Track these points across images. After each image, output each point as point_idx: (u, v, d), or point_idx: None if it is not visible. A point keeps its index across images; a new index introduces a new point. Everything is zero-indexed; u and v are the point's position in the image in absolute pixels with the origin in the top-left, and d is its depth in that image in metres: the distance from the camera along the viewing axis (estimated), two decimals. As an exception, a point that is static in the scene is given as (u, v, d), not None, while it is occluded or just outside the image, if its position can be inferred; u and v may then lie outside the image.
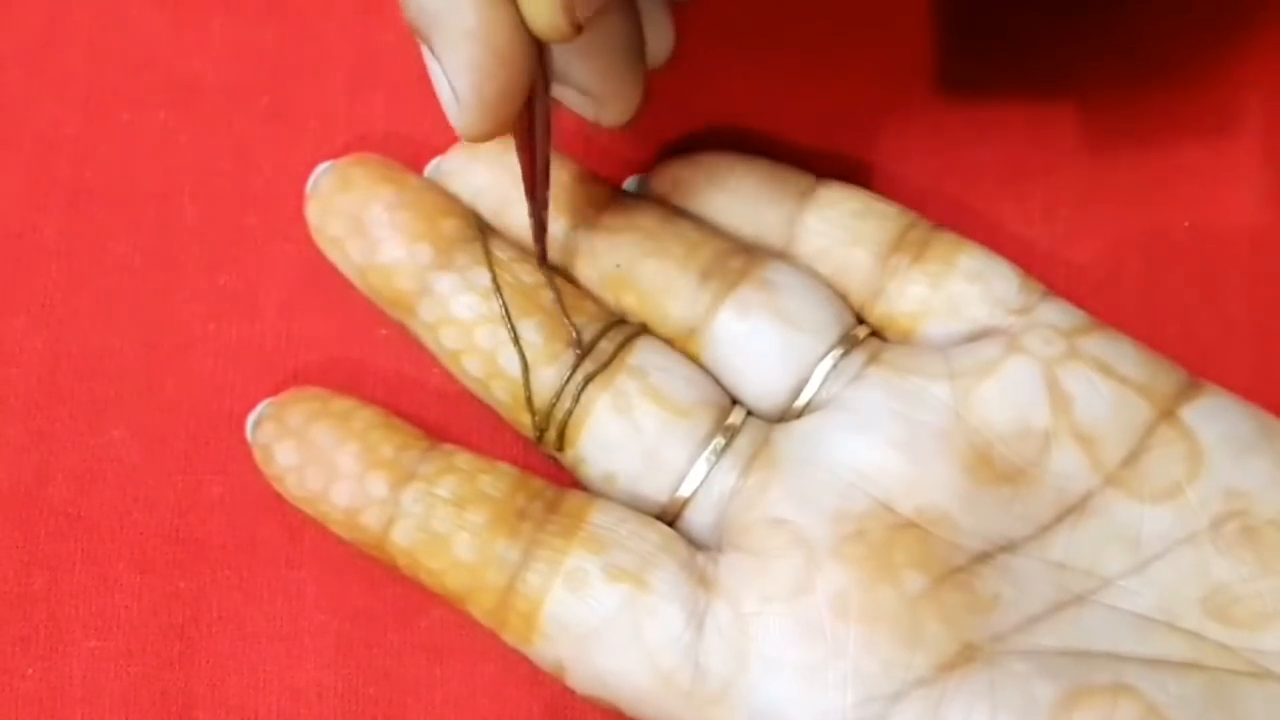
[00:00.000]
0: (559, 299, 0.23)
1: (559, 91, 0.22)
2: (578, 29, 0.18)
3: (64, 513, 0.24)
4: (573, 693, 0.22)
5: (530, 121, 0.21)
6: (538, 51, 0.19)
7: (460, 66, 0.18)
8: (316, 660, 0.23)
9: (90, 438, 0.24)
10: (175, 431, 0.24)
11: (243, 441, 0.23)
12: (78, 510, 0.24)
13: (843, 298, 0.23)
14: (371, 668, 0.23)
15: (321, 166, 0.24)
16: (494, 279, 0.23)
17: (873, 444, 0.21)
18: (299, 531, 0.23)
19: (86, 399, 0.24)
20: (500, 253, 0.23)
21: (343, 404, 0.23)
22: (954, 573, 0.20)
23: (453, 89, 0.19)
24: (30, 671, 0.23)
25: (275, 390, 0.24)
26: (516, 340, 0.23)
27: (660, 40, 0.22)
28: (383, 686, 0.23)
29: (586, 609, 0.21)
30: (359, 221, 0.23)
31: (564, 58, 0.21)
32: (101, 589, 0.23)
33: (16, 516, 0.24)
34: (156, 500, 0.24)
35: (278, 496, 0.23)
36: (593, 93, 0.22)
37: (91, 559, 0.23)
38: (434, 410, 0.24)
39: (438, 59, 0.19)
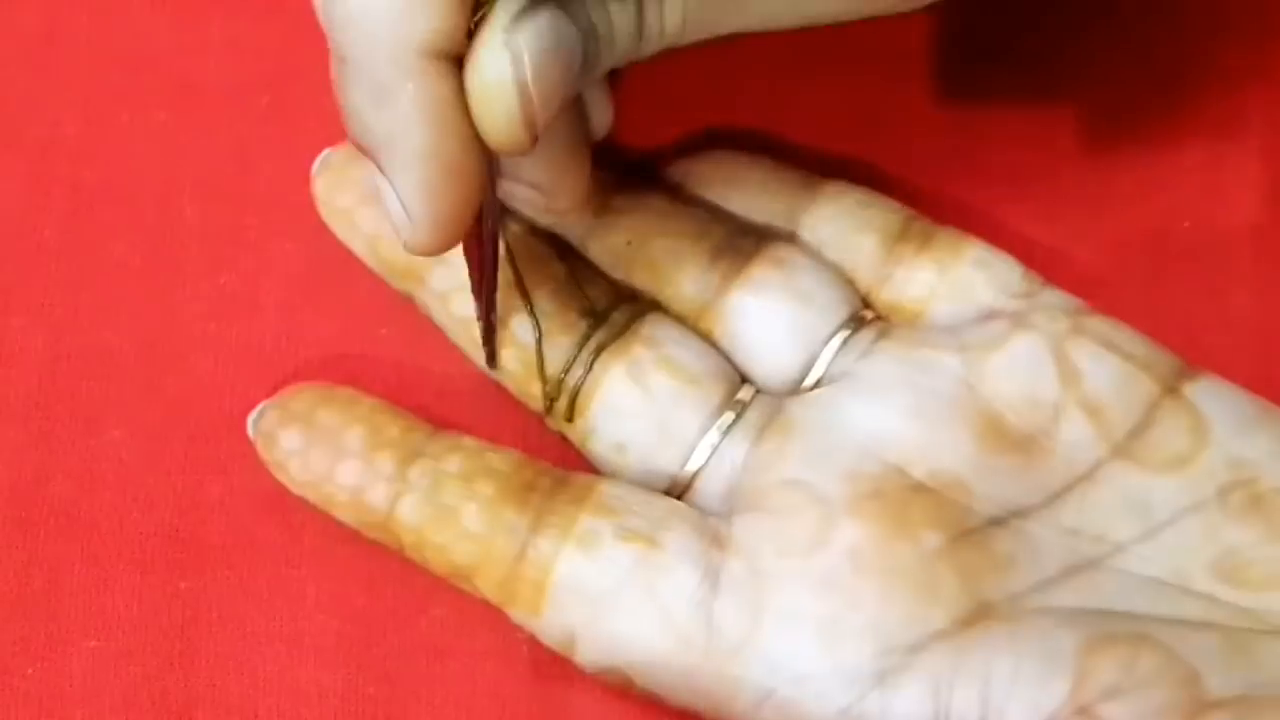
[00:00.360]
0: (572, 271, 0.23)
1: (506, 188, 0.22)
2: (535, 139, 0.18)
3: (64, 513, 0.24)
4: (572, 693, 0.22)
5: (479, 225, 0.21)
6: (490, 161, 0.19)
7: (413, 186, 0.18)
8: (316, 660, 0.23)
9: (90, 438, 0.24)
10: (175, 431, 0.24)
11: (243, 441, 0.23)
12: (78, 510, 0.24)
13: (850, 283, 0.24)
14: (371, 668, 0.23)
15: (329, 149, 0.24)
16: (508, 247, 0.23)
17: (886, 411, 0.21)
18: (299, 531, 0.23)
19: (86, 399, 0.24)
20: (515, 225, 0.24)
21: (346, 392, 0.23)
22: (969, 533, 0.20)
23: (404, 208, 0.18)
24: (30, 671, 0.23)
25: (275, 390, 0.24)
26: (531, 307, 0.23)
27: (601, 115, 0.23)
28: (383, 686, 0.23)
29: (599, 570, 0.21)
30: (370, 192, 0.23)
31: (511, 159, 0.21)
32: (101, 589, 0.23)
33: (16, 516, 0.24)
34: (156, 500, 0.24)
35: (278, 496, 0.23)
36: (542, 187, 0.22)
37: (91, 559, 0.23)
38: (435, 409, 0.24)
39: (388, 178, 0.18)
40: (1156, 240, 0.26)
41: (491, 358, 0.23)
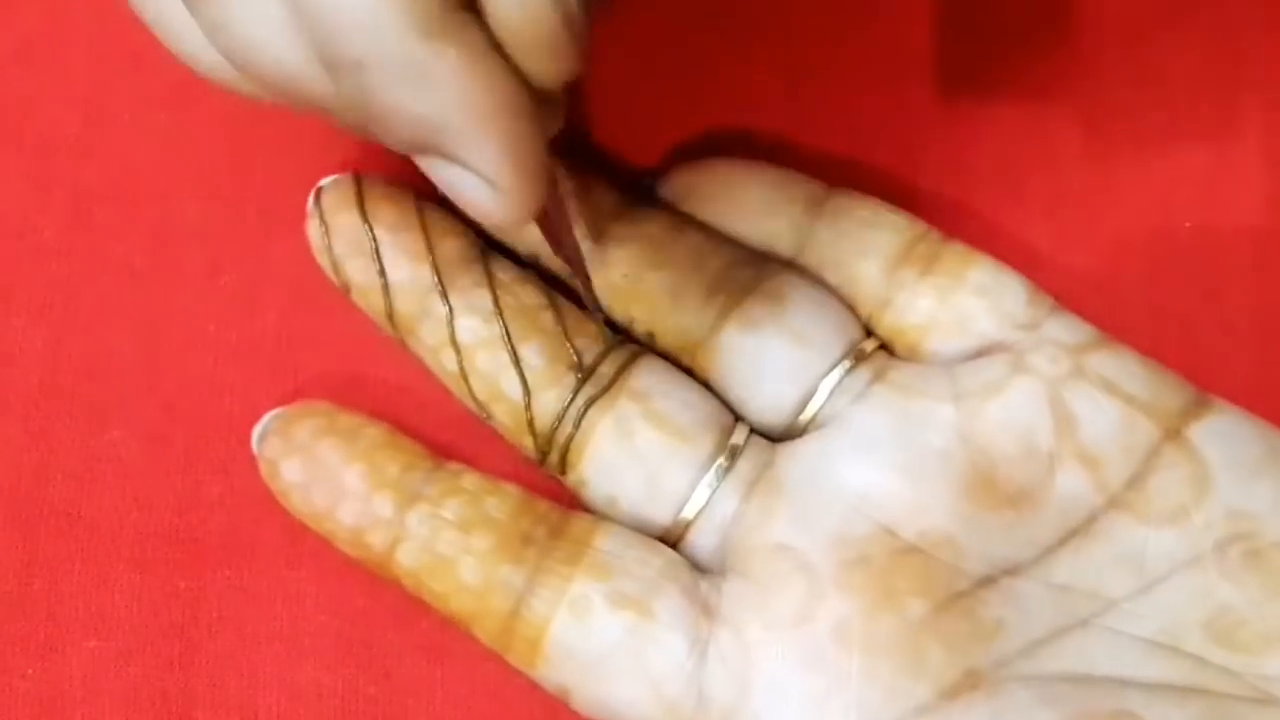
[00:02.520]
0: (560, 321, 0.23)
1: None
2: (575, 70, 0.16)
3: (64, 513, 0.24)
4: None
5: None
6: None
7: (493, 153, 0.16)
8: (316, 660, 0.23)
9: (90, 438, 0.24)
10: (175, 431, 0.24)
11: (242, 442, 0.23)
12: (78, 510, 0.24)
13: (851, 308, 0.23)
14: (371, 668, 0.23)
15: (324, 181, 0.24)
16: (495, 302, 0.23)
17: (876, 467, 0.21)
18: (299, 532, 0.23)
19: (86, 399, 0.24)
20: (502, 274, 0.23)
21: (349, 420, 0.23)
22: (957, 598, 0.20)
23: (487, 182, 0.16)
24: (30, 671, 0.23)
25: (275, 391, 0.24)
26: (518, 364, 0.23)
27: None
28: (383, 686, 0.23)
29: (591, 636, 0.21)
30: (360, 242, 0.23)
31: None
32: (101, 589, 0.23)
33: (16, 516, 0.24)
34: (156, 500, 0.24)
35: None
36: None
37: (91, 559, 0.23)
38: (435, 412, 0.24)
39: (458, 160, 0.16)
40: (1156, 240, 0.26)
41: (597, 307, 0.22)
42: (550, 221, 0.21)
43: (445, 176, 0.17)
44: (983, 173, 0.26)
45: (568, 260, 0.22)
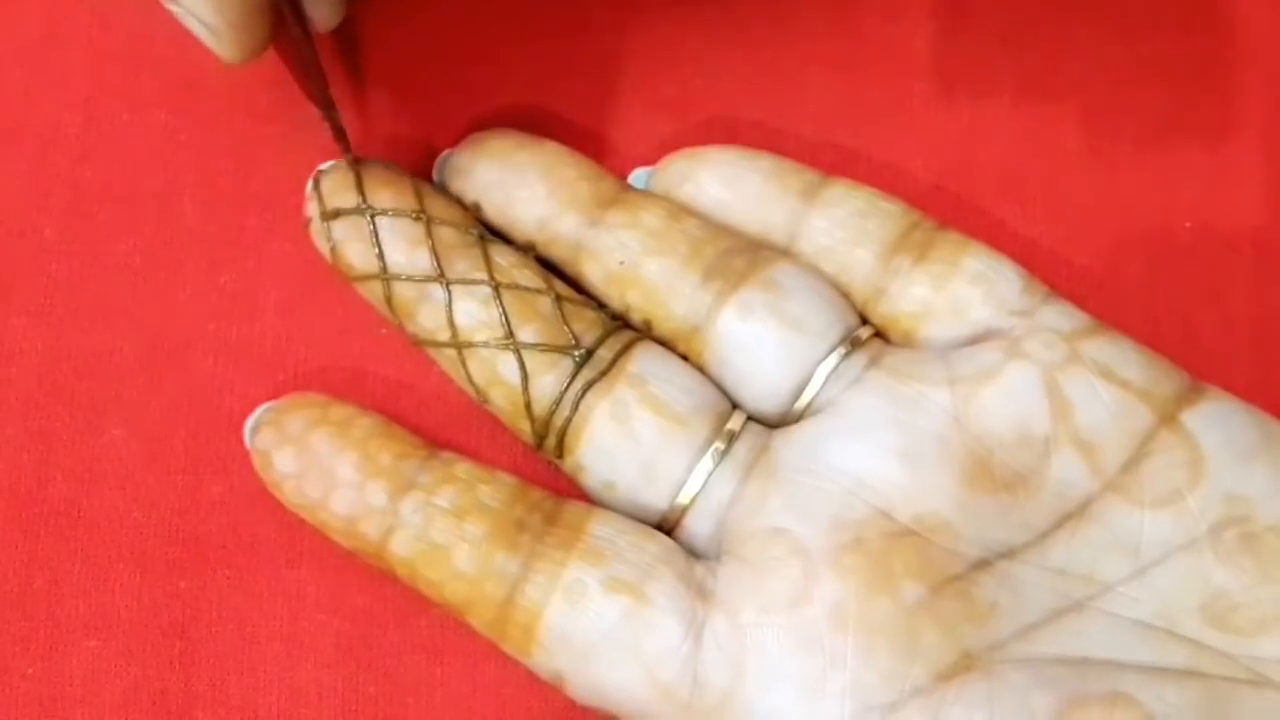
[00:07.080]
0: (558, 305, 0.23)
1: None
2: None
3: (64, 513, 0.24)
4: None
5: (288, 29, 0.22)
6: None
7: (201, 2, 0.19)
8: (316, 660, 0.23)
9: (90, 438, 0.24)
10: (175, 431, 0.24)
11: (242, 441, 0.23)
12: (78, 510, 0.24)
13: (845, 296, 0.23)
14: (371, 668, 0.23)
15: (324, 166, 0.24)
16: (494, 286, 0.23)
17: (872, 451, 0.21)
18: (299, 531, 0.23)
19: (86, 399, 0.24)
20: (500, 258, 0.23)
21: (342, 411, 0.23)
22: (952, 581, 0.20)
23: (201, 22, 0.19)
24: (30, 671, 0.23)
25: (275, 391, 0.24)
26: (516, 347, 0.23)
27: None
28: (383, 686, 0.23)
29: (586, 621, 0.21)
30: (359, 227, 0.23)
31: None
32: (101, 589, 0.23)
33: (16, 516, 0.24)
34: (156, 500, 0.24)
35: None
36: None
37: (91, 559, 0.23)
38: (434, 410, 0.24)
39: (179, 3, 0.19)
40: (1156, 240, 0.26)
41: (346, 149, 0.24)
42: (296, 72, 0.23)
43: (173, 10, 0.20)
44: (984, 172, 0.26)
45: (317, 106, 0.23)
